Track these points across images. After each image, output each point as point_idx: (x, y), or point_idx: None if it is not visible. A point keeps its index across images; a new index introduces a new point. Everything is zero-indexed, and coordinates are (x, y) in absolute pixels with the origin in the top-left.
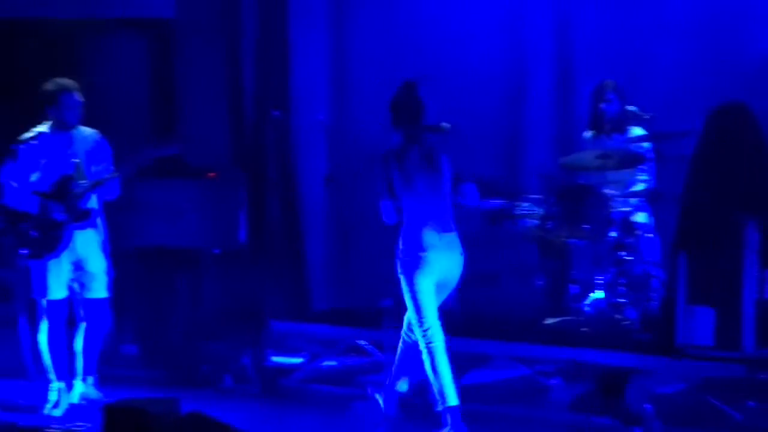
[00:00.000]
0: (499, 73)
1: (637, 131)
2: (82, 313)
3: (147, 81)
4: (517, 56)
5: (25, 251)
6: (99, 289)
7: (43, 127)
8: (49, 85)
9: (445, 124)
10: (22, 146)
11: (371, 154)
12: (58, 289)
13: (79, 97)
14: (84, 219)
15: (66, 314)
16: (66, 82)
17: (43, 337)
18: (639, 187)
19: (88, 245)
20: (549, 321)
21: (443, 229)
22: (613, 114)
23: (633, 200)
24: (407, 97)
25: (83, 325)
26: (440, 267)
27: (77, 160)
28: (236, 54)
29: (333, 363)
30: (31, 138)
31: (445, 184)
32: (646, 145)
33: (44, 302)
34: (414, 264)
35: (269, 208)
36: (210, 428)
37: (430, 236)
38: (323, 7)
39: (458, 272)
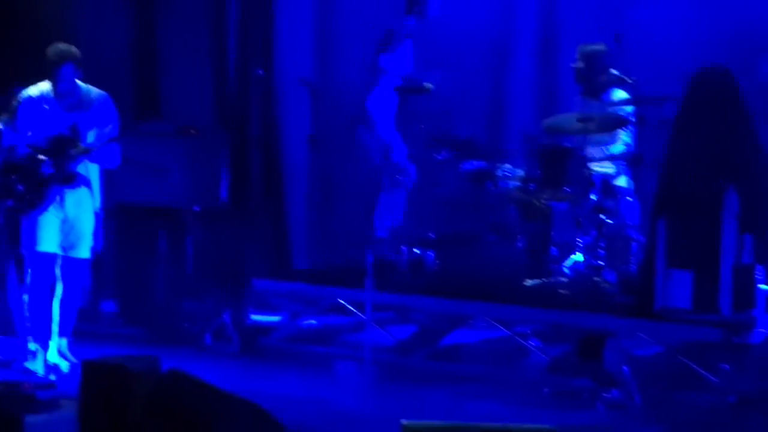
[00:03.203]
0: (483, 33)
1: (620, 94)
2: (59, 272)
3: (130, 40)
4: (502, 16)
5: (9, 203)
6: (83, 250)
7: (46, 85)
8: (49, 52)
9: (428, 84)
10: (23, 100)
11: (354, 114)
12: (48, 242)
13: (76, 67)
14: (70, 182)
15: (53, 275)
16: (66, 51)
17: (26, 293)
18: (620, 150)
19: (79, 205)
20: (529, 282)
21: None
22: (581, 75)
23: (614, 163)
24: None
25: (60, 286)
26: None
27: (74, 123)
28: (220, 12)
29: (313, 322)
30: (33, 94)
31: None
32: (628, 108)
33: (32, 255)
34: None
35: (251, 166)
36: (189, 386)
37: None
38: None
39: None
